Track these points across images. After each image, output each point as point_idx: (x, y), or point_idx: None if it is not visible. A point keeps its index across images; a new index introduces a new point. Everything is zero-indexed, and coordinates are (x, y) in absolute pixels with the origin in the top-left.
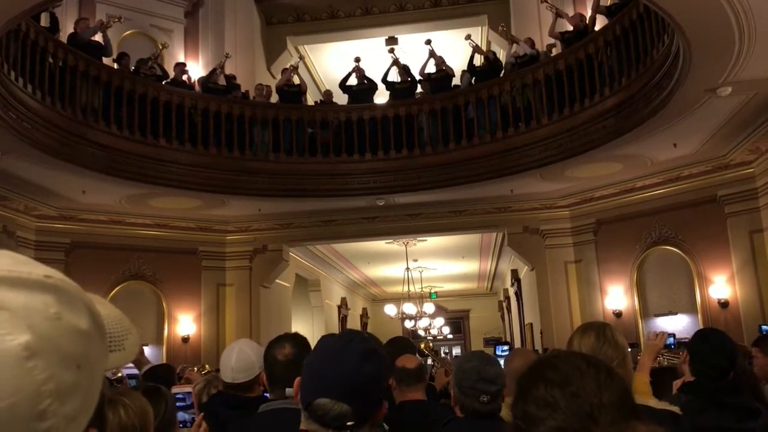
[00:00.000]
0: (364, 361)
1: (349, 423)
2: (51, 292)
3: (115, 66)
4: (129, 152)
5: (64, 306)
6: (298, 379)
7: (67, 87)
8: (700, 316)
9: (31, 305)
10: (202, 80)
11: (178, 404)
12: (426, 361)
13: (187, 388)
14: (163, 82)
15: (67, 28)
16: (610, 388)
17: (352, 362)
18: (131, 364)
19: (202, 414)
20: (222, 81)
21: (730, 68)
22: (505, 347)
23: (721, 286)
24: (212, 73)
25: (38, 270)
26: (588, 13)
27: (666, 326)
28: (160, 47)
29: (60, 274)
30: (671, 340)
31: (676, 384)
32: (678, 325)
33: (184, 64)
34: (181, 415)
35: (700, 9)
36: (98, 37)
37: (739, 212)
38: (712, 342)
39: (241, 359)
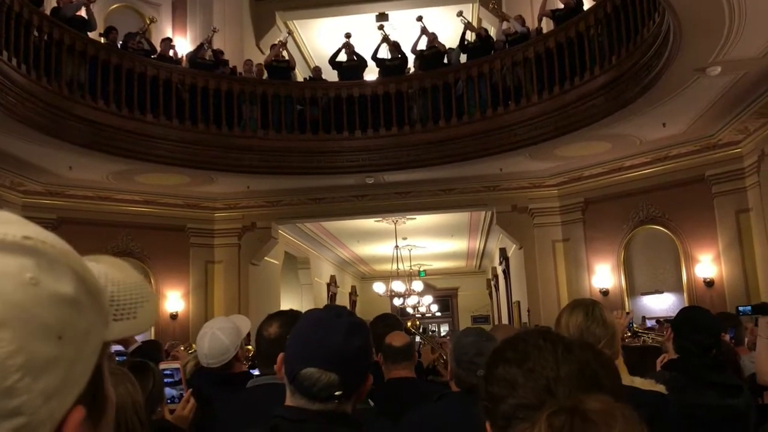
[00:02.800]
0: (352, 333)
1: (336, 393)
2: (29, 254)
3: (102, 40)
4: (116, 127)
5: (43, 270)
6: (281, 354)
7: (52, 61)
8: (685, 294)
9: (4, 270)
10: (189, 55)
11: (165, 380)
12: (414, 339)
13: (175, 364)
14: (151, 57)
15: (51, 1)
16: (567, 361)
17: (341, 333)
18: (118, 345)
19: (190, 390)
20: (209, 56)
21: (719, 47)
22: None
23: (707, 265)
24: (199, 48)
25: (18, 230)
26: None
27: (652, 305)
28: (148, 22)
29: (45, 235)
30: (631, 321)
31: (660, 361)
32: (664, 303)
33: (170, 39)
34: (169, 391)
35: None
36: (82, 12)
37: (726, 192)
38: (696, 319)
39: (213, 346)
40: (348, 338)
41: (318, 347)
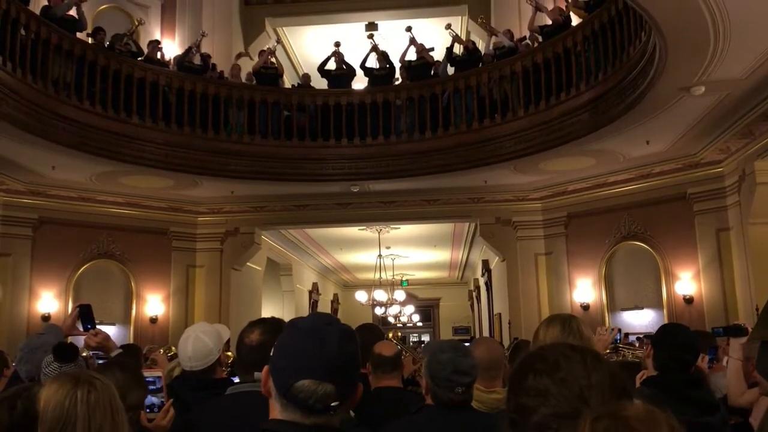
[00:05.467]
0: (345, 341)
1: (333, 404)
2: None
3: (90, 40)
4: (101, 129)
5: None
6: (266, 368)
7: (39, 60)
8: (665, 311)
9: None
10: (177, 59)
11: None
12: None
13: (157, 372)
14: (138, 60)
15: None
16: (598, 370)
17: (334, 342)
18: (100, 351)
19: (171, 400)
20: (197, 60)
21: (704, 68)
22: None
23: (687, 282)
24: (188, 52)
25: None
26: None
27: (632, 320)
28: (136, 23)
29: None
30: (618, 336)
31: (639, 377)
32: (644, 319)
33: (158, 42)
34: (150, 399)
35: (678, 8)
36: (72, 12)
37: (707, 210)
38: (676, 336)
39: (197, 348)
40: (342, 347)
41: (312, 358)
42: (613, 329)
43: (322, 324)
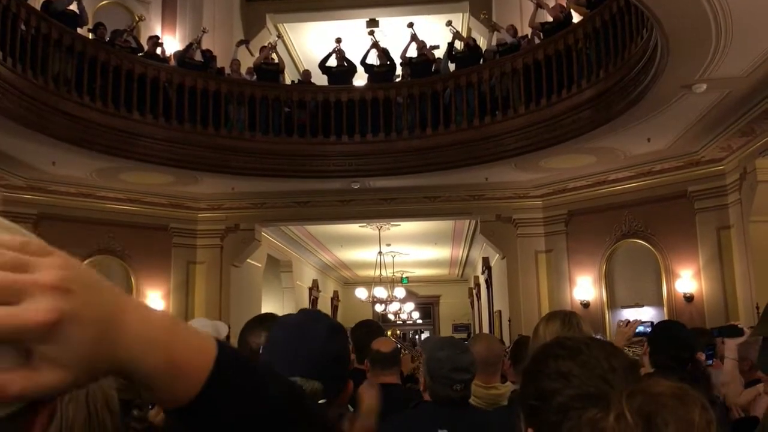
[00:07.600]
0: (332, 337)
1: (320, 401)
2: None
3: (91, 36)
4: (101, 124)
5: None
6: None
7: (39, 55)
8: (665, 309)
9: None
10: (178, 54)
11: None
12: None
13: None
14: (138, 55)
15: None
16: (617, 356)
17: (321, 339)
18: None
19: None
20: (198, 56)
21: (705, 65)
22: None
23: (687, 280)
24: (188, 48)
25: None
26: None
27: (632, 318)
28: (137, 19)
29: None
30: (644, 328)
31: None
32: (644, 317)
33: (157, 38)
34: None
35: (680, 5)
36: (73, 6)
37: (707, 208)
38: (672, 333)
39: None
40: (328, 343)
41: (299, 355)
42: (635, 321)
43: (309, 320)
